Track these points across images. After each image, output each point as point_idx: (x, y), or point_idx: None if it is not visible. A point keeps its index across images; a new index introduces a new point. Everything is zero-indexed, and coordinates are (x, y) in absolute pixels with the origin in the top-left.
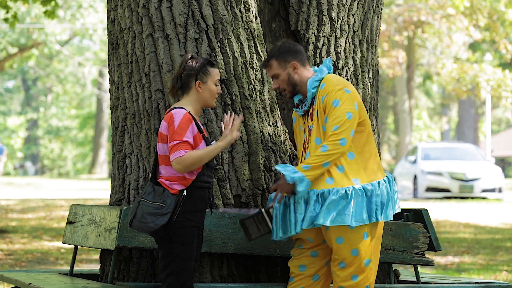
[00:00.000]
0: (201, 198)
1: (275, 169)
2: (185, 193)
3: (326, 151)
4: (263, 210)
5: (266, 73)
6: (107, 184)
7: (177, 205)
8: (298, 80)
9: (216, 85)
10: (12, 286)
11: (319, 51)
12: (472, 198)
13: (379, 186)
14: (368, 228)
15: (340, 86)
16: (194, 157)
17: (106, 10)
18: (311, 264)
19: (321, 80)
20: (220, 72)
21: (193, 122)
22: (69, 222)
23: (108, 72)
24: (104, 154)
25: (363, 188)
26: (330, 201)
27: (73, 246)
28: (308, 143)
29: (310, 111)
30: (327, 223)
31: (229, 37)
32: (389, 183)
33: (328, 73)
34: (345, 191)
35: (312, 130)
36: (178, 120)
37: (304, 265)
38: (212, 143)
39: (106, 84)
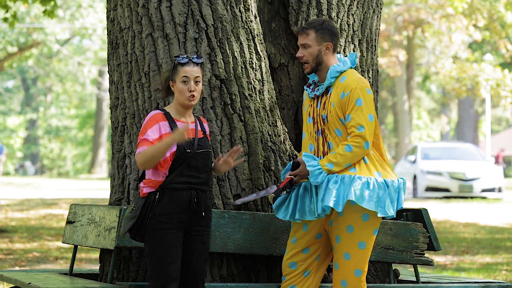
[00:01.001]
0: (176, 201)
1: (300, 159)
2: (157, 196)
3: (351, 152)
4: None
5: (298, 37)
6: (107, 183)
7: (143, 208)
8: (324, 62)
9: (185, 81)
10: (12, 285)
11: None
12: (472, 197)
13: (398, 184)
14: (378, 225)
15: (363, 85)
16: (145, 154)
17: (105, 10)
18: (302, 261)
19: (342, 72)
20: (220, 71)
21: (164, 122)
22: (68, 222)
23: (108, 71)
24: (103, 154)
25: (385, 181)
26: (353, 186)
27: (73, 245)
28: (325, 133)
29: (324, 100)
30: (353, 198)
31: (229, 36)
32: (398, 186)
33: (351, 67)
34: (367, 180)
35: (329, 122)
36: (145, 120)
37: (295, 262)
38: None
39: (106, 83)
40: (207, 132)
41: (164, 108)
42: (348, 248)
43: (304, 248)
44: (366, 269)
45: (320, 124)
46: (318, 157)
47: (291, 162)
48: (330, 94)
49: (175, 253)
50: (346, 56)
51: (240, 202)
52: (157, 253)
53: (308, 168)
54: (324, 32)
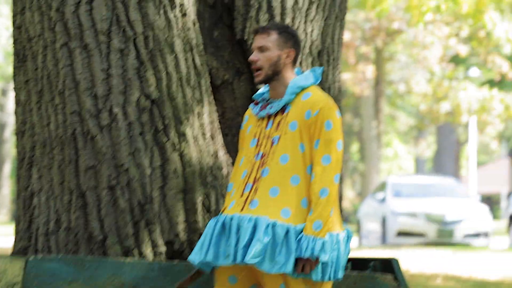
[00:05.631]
0: None
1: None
2: None
3: (328, 195)
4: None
5: (255, 38)
6: (10, 229)
7: None
8: (282, 71)
9: None
10: None
11: None
12: (453, 244)
13: (337, 239)
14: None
15: (332, 105)
16: None
17: (11, 14)
18: None
19: (304, 88)
20: (151, 90)
21: None
22: None
23: (14, 89)
24: (6, 191)
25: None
26: (281, 241)
27: None
28: (267, 157)
29: (278, 119)
30: (265, 270)
31: (162, 47)
32: (346, 241)
33: (314, 84)
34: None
35: (279, 145)
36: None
37: None
38: None
39: (11, 105)
40: None
41: None
42: None
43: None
44: None
45: (265, 147)
46: (246, 184)
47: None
48: (288, 113)
49: None
50: (303, 71)
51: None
52: None
53: (304, 255)
54: (288, 36)
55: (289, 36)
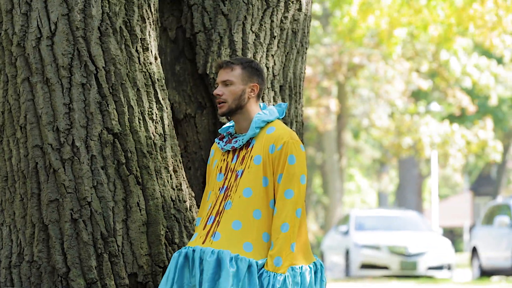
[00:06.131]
0: None
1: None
2: None
3: (289, 230)
4: None
5: (219, 72)
6: None
7: None
8: (246, 105)
9: None
10: None
11: None
12: (416, 277)
13: (301, 272)
14: None
15: (296, 140)
16: None
17: None
18: None
19: (268, 123)
20: (113, 124)
21: None
22: None
23: None
24: None
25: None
26: (243, 275)
27: None
28: (231, 190)
29: (243, 153)
30: None
31: (124, 82)
32: (315, 272)
33: (278, 118)
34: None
35: (242, 179)
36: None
37: None
38: None
39: None
40: None
41: None
42: None
43: None
44: None
45: (230, 180)
46: (209, 216)
47: None
48: (252, 147)
49: None
50: (268, 105)
51: None
52: None
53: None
54: (252, 71)
55: (253, 71)
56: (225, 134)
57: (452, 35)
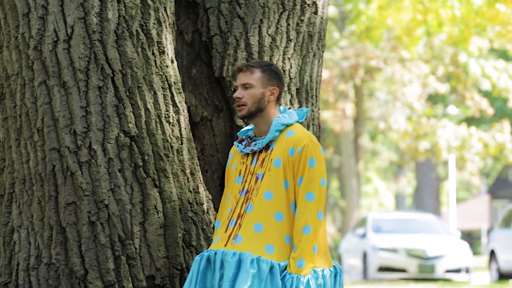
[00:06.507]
0: None
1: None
2: None
3: (311, 232)
4: None
5: (238, 75)
6: None
7: None
8: (265, 108)
9: None
10: None
11: None
12: (434, 280)
13: (323, 275)
14: None
15: (316, 143)
16: None
17: None
18: None
19: (287, 126)
20: (130, 127)
21: None
22: None
23: None
24: None
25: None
26: (265, 276)
27: None
28: (251, 193)
29: (262, 156)
30: None
31: (140, 85)
32: (335, 275)
33: (298, 121)
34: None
35: (263, 182)
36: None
37: None
38: None
39: None
40: None
41: None
42: None
43: None
44: None
45: (250, 183)
46: (230, 219)
47: None
48: (272, 150)
49: None
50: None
51: None
52: None
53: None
54: (272, 74)
55: (273, 74)
56: (244, 137)
57: (469, 35)
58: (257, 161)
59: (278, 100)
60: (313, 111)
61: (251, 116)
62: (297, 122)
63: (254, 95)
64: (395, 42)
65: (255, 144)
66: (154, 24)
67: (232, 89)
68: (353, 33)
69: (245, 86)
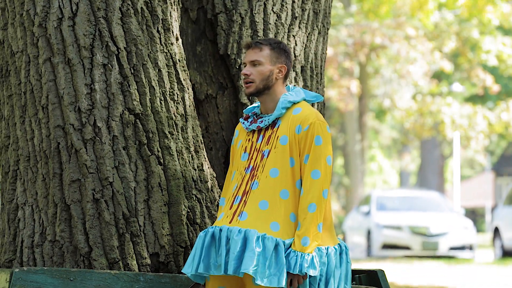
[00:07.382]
0: None
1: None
2: None
3: (316, 210)
4: None
5: (247, 52)
6: None
7: None
8: (273, 85)
9: None
10: None
11: None
12: (438, 257)
13: (327, 253)
14: None
15: (322, 121)
16: None
17: None
18: None
19: (294, 103)
20: (134, 104)
21: None
22: None
23: None
24: None
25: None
26: (270, 254)
27: None
28: (257, 170)
29: (269, 133)
30: (260, 282)
31: (145, 62)
32: (340, 253)
33: (305, 99)
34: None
35: (269, 159)
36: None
37: None
38: None
39: None
40: None
41: None
42: None
43: None
44: None
45: (255, 160)
46: (235, 196)
47: None
48: (278, 127)
49: None
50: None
51: None
52: None
53: (291, 271)
54: (280, 52)
55: (282, 52)
56: (250, 114)
57: (483, 4)
58: (263, 138)
59: (285, 78)
60: (318, 89)
61: (258, 93)
62: (304, 99)
63: (262, 72)
64: (402, 18)
65: (262, 121)
66: (159, 1)
67: (237, 67)
68: (361, 9)
69: (254, 63)
